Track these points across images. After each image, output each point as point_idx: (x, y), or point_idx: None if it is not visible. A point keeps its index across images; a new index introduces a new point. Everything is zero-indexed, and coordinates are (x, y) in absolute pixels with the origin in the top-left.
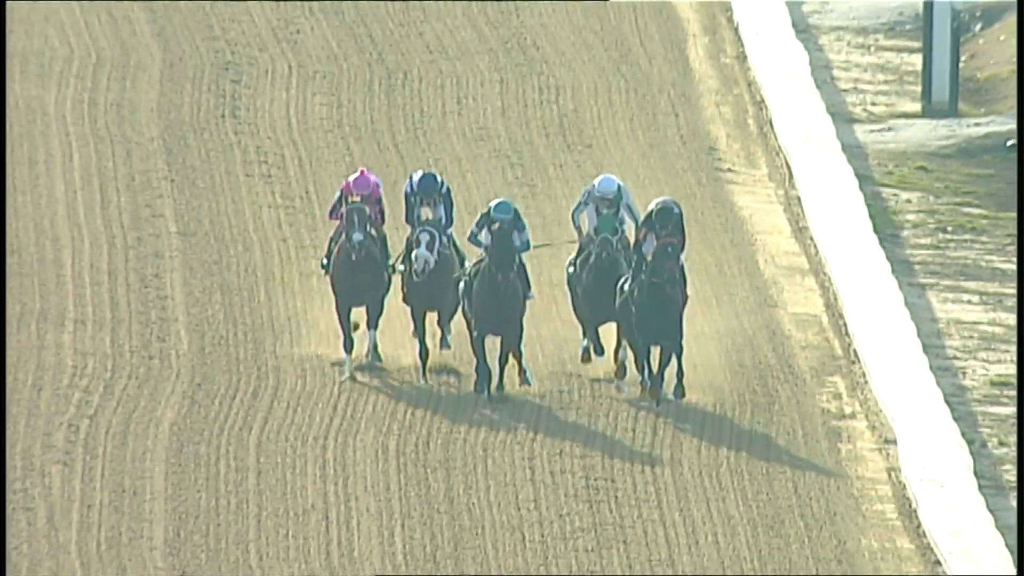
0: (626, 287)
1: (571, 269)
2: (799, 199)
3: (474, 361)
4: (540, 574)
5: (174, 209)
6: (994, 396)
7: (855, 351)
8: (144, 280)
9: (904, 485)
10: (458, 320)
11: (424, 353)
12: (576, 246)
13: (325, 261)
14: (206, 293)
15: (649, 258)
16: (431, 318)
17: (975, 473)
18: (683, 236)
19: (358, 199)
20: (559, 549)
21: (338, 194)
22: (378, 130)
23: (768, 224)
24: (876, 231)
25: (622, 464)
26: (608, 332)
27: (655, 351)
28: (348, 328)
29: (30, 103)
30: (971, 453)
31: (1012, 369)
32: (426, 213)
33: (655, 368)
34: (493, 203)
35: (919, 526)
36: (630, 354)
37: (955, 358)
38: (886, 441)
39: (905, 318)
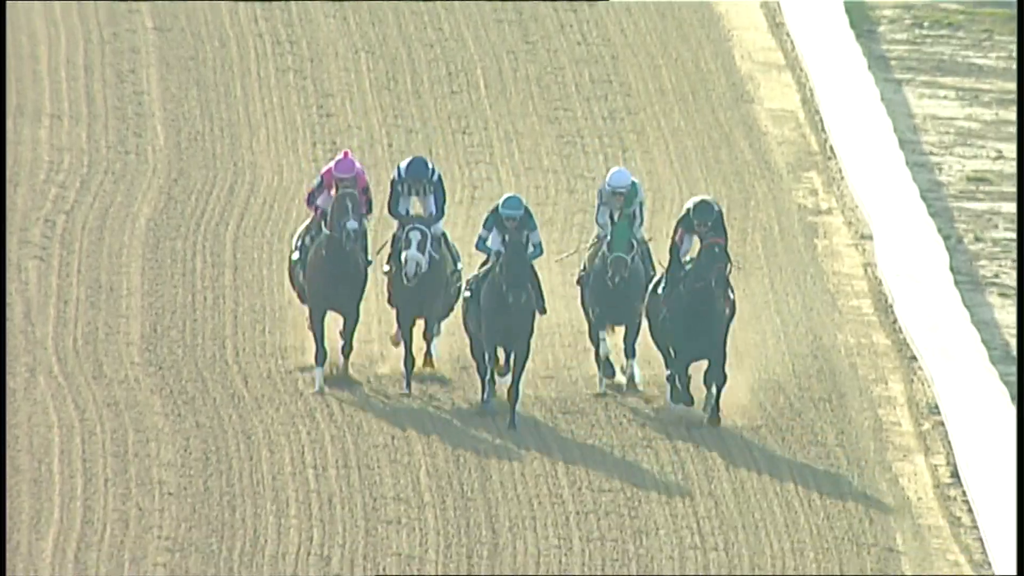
0: (660, 290)
1: (583, 270)
2: None
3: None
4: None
5: (150, 4)
6: (970, 192)
7: (831, 147)
8: (120, 75)
9: (880, 281)
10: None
11: (410, 362)
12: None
13: (297, 256)
14: (182, 89)
15: (686, 259)
16: (420, 325)
17: (951, 269)
18: (725, 235)
19: (344, 185)
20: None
21: (318, 180)
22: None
23: (745, 19)
24: (852, 26)
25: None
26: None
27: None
28: (322, 335)
29: None
30: (947, 249)
31: (988, 165)
32: (416, 205)
33: (705, 389)
34: (502, 199)
35: (895, 321)
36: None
37: (931, 154)
38: (862, 237)
39: (881, 113)
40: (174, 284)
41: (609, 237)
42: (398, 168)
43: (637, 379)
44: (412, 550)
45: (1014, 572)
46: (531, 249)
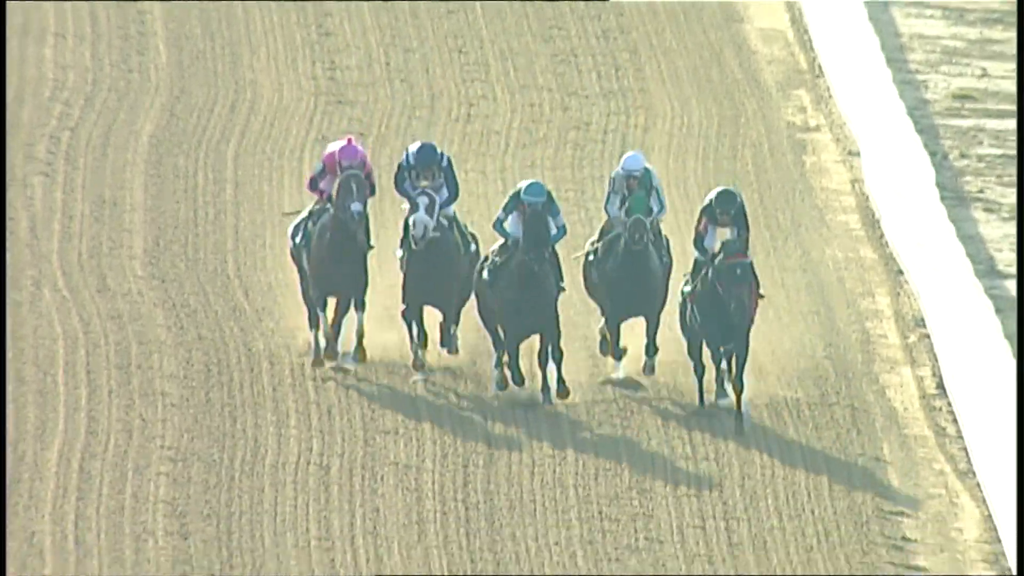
0: (686, 290)
1: (591, 255)
2: None
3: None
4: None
5: None
6: (955, 109)
7: (819, 65)
8: None
9: (867, 196)
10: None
11: (422, 338)
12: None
13: (300, 240)
14: (184, 8)
15: (712, 251)
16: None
17: (937, 185)
18: (747, 226)
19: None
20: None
21: (320, 166)
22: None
23: None
24: None
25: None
26: (629, 327)
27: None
28: (322, 316)
29: None
30: (933, 165)
31: (973, 83)
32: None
33: (725, 380)
34: (523, 184)
35: (882, 236)
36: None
37: (917, 72)
38: (850, 153)
39: (869, 32)
40: (176, 199)
41: (628, 204)
42: (407, 153)
43: (650, 370)
44: (409, 460)
45: (998, 481)
46: (554, 231)
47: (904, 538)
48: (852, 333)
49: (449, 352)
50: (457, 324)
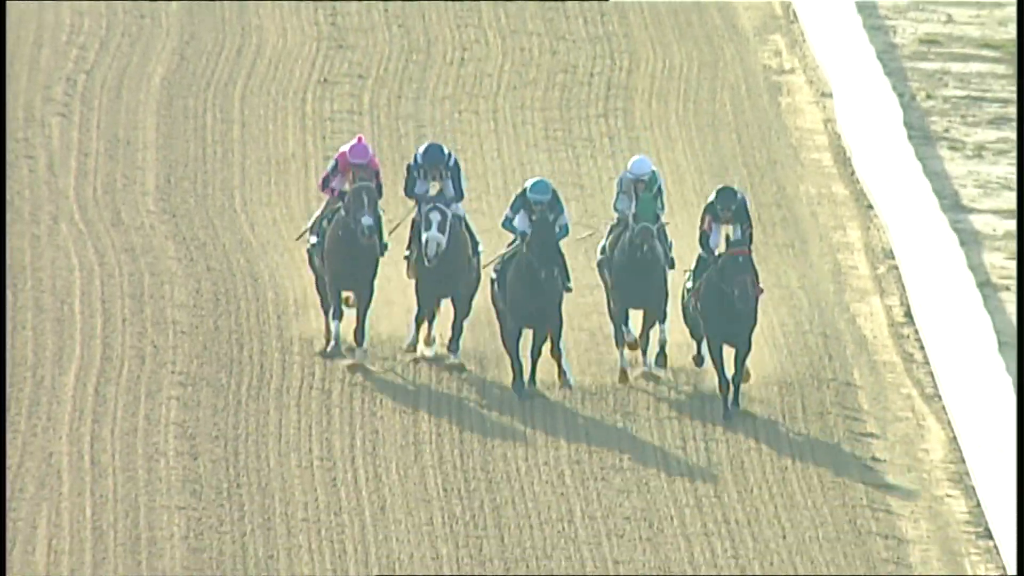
0: (689, 285)
1: (603, 253)
2: None
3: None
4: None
5: None
6: (922, 53)
7: (794, 11)
8: None
9: (839, 135)
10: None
11: (429, 338)
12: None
13: (315, 240)
14: None
15: (717, 252)
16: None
17: (904, 124)
18: (749, 223)
19: (359, 173)
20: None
21: (332, 164)
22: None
23: None
24: None
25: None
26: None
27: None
28: (338, 308)
29: None
30: (901, 106)
31: (939, 28)
32: (434, 189)
33: (725, 372)
34: (529, 182)
35: (853, 173)
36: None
37: (886, 17)
38: (822, 95)
39: None
40: (186, 139)
41: (634, 210)
42: (415, 154)
43: (657, 367)
44: (406, 384)
45: (964, 405)
46: (558, 230)
47: (874, 458)
48: (824, 264)
49: (452, 354)
50: (468, 316)
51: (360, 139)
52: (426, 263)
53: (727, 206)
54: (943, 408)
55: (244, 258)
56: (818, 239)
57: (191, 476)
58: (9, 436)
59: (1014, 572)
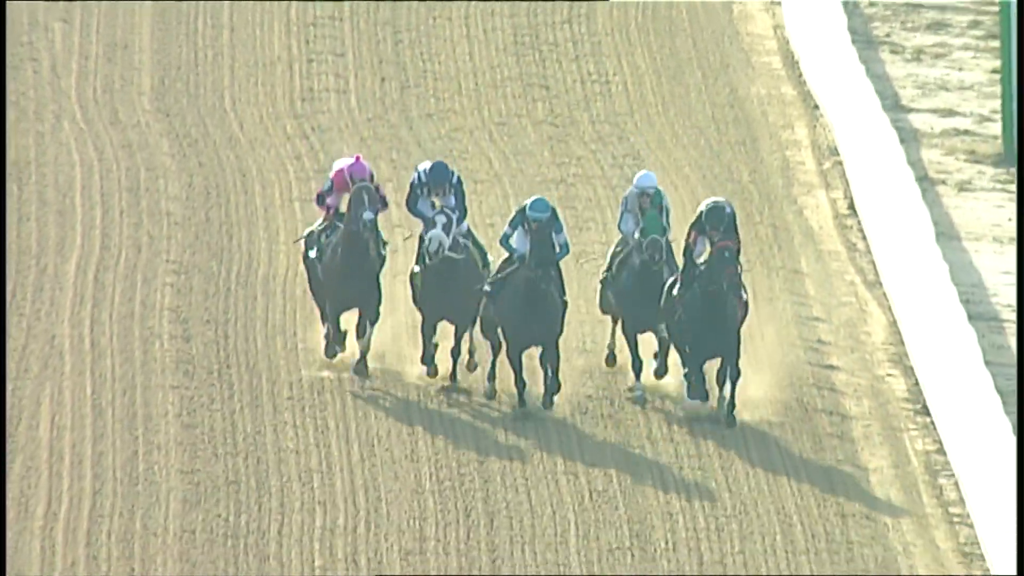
0: (675, 291)
1: (607, 272)
2: None
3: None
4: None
5: None
6: None
7: None
8: None
9: (787, 40)
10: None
11: (430, 359)
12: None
13: (313, 255)
14: None
15: (700, 260)
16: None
17: (848, 29)
18: (737, 237)
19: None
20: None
21: (328, 183)
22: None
23: None
24: None
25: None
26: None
27: (709, 365)
28: (337, 330)
29: None
30: (845, 12)
31: None
32: (436, 206)
33: (718, 387)
34: (528, 201)
35: (800, 75)
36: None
37: None
38: (772, 2)
39: None
40: (179, 43)
41: (642, 224)
42: (418, 171)
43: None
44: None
45: (904, 290)
46: (558, 249)
47: (819, 340)
48: (774, 161)
49: (433, 373)
50: (470, 337)
51: (358, 157)
52: (427, 261)
53: (716, 225)
54: (884, 294)
55: (233, 154)
56: (768, 137)
57: (184, 357)
58: (15, 320)
59: (979, 503)
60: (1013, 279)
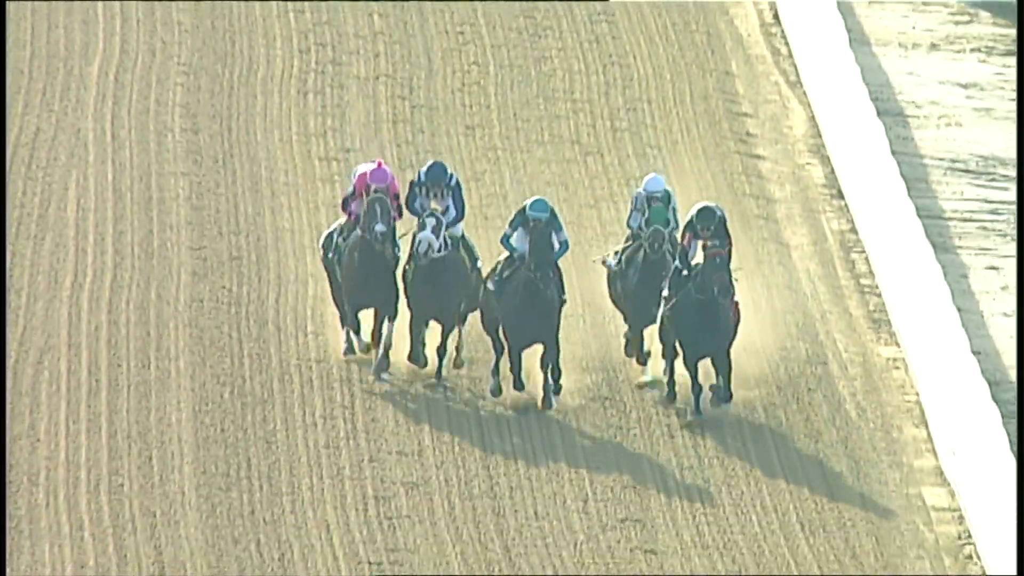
0: (666, 292)
1: (615, 266)
2: None
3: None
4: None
5: None
6: None
7: None
8: None
9: None
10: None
11: (420, 357)
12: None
13: (332, 255)
14: None
15: (694, 262)
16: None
17: None
18: (729, 240)
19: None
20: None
21: (351, 188)
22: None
23: None
24: None
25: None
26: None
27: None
28: (357, 328)
29: None
30: None
31: None
32: (433, 206)
33: (704, 384)
34: (528, 201)
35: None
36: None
37: None
38: None
39: None
40: None
41: (648, 216)
42: (419, 172)
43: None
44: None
45: (820, 89)
46: (558, 247)
47: (748, 133)
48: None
49: (422, 365)
50: (458, 335)
51: (380, 163)
52: (417, 262)
53: (706, 225)
54: (804, 93)
55: None
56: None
57: (193, 148)
58: (45, 115)
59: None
60: (918, 80)
